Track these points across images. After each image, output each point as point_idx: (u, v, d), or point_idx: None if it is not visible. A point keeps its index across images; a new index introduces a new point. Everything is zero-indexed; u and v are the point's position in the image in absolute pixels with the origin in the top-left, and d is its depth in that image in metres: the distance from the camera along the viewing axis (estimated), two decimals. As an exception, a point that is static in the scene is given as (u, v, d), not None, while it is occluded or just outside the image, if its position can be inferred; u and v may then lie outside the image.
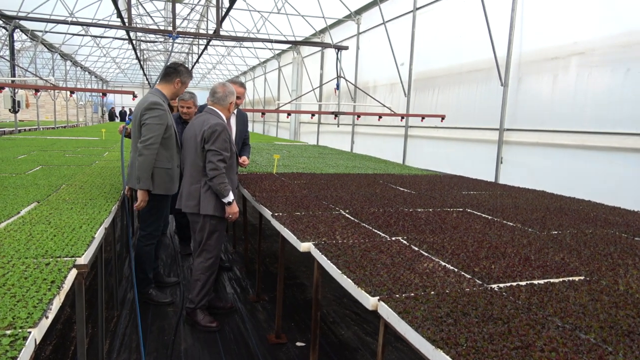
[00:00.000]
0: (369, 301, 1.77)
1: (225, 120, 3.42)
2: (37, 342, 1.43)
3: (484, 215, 3.45)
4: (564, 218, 3.47)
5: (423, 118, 7.66)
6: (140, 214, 3.99)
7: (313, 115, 8.32)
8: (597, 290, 1.93)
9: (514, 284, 1.97)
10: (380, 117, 7.61)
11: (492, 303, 1.73)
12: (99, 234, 2.57)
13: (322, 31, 14.02)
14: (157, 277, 4.27)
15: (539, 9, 6.41)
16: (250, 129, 20.86)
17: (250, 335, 3.43)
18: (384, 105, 8.06)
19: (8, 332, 1.38)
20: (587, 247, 2.64)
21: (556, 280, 2.03)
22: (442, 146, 8.66)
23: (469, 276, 2.04)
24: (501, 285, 1.95)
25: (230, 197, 3.29)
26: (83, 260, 2.12)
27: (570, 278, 2.08)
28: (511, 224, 3.20)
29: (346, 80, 8.81)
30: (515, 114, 6.81)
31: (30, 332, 1.39)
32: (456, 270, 2.12)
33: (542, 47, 6.30)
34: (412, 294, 1.79)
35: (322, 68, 14.48)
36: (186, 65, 3.95)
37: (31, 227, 2.58)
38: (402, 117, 7.94)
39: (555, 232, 2.99)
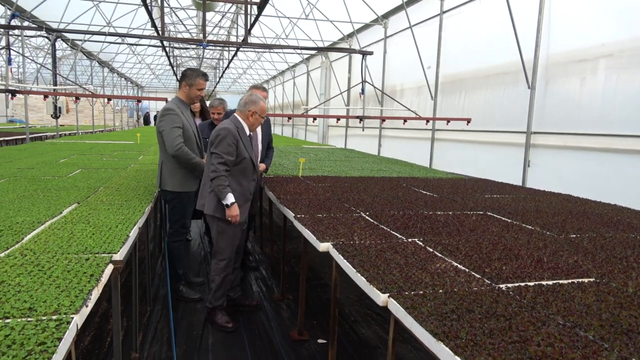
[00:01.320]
0: (380, 297, 1.88)
1: (245, 127, 3.53)
2: (79, 327, 1.60)
3: (503, 219, 3.49)
4: (585, 222, 3.48)
5: (448, 122, 7.67)
6: (168, 212, 4.24)
7: (338, 119, 8.43)
8: (604, 291, 1.98)
9: (522, 284, 2.04)
10: (405, 120, 7.66)
11: (497, 301, 1.81)
12: (133, 233, 2.77)
13: (350, 35, 14.14)
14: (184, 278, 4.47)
15: (566, 11, 6.35)
16: (279, 132, 21.10)
17: (274, 332, 3.58)
18: (409, 109, 8.11)
19: (54, 317, 1.57)
20: (604, 250, 2.67)
21: (565, 282, 2.09)
22: (469, 149, 8.63)
23: (478, 276, 2.12)
24: (509, 285, 2.03)
25: (229, 199, 3.32)
26: (118, 256, 2.31)
27: (580, 280, 2.13)
28: (530, 227, 3.24)
29: (371, 84, 8.90)
30: (542, 117, 6.75)
31: (72, 318, 1.57)
32: (467, 270, 2.20)
33: (570, 49, 6.23)
34: (421, 292, 1.89)
35: (349, 72, 14.59)
36: (196, 68, 4.19)
37: (72, 226, 2.80)
38: (427, 121, 7.96)
39: (574, 236, 3.01)
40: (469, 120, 7.61)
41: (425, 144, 10.05)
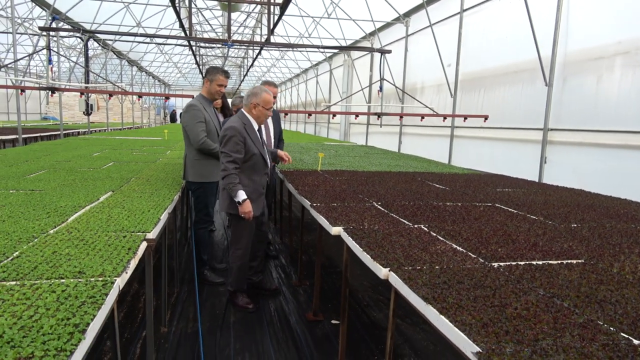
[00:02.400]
0: (381, 271, 2.10)
1: (252, 121, 3.61)
2: (120, 288, 1.88)
3: (510, 210, 3.66)
4: (590, 213, 3.61)
5: (465, 119, 7.79)
6: (193, 202, 4.56)
7: (357, 116, 8.63)
8: (589, 270, 2.15)
9: (514, 263, 2.23)
10: (422, 117, 7.82)
11: (487, 276, 2.02)
12: (164, 217, 3.06)
13: (372, 34, 14.31)
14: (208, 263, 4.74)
15: (583, 9, 6.40)
16: (302, 130, 21.32)
17: (291, 313, 3.84)
18: (426, 106, 8.25)
19: (100, 279, 1.85)
20: (601, 238, 2.82)
21: (554, 262, 2.27)
22: (487, 146, 8.72)
23: (474, 256, 2.32)
24: (502, 264, 2.22)
25: (240, 197, 3.42)
26: (151, 235, 2.59)
27: (569, 261, 2.31)
28: (534, 217, 3.40)
29: (390, 82, 9.07)
30: (559, 114, 6.82)
31: (115, 280, 1.85)
32: (464, 251, 2.40)
33: (587, 47, 6.30)
34: (419, 267, 2.11)
35: (371, 70, 14.75)
36: (218, 66, 4.50)
37: (109, 210, 3.11)
38: (444, 118, 8.10)
39: (575, 225, 3.16)
40: (486, 117, 7.72)
41: (445, 141, 10.17)
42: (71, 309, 1.55)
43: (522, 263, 2.23)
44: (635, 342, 1.44)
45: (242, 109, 3.66)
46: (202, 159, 4.17)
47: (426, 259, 2.24)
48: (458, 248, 2.46)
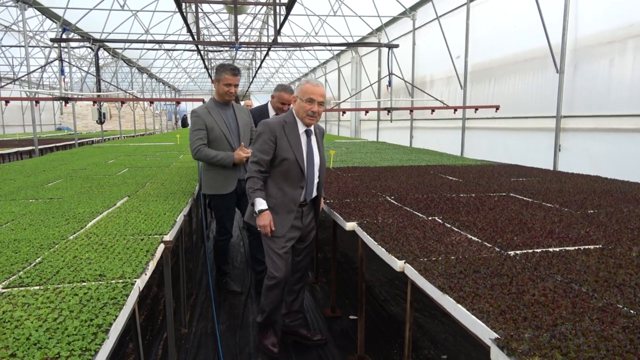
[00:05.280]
0: (397, 264, 2.11)
1: (298, 122, 2.94)
2: (140, 289, 1.91)
3: (524, 199, 3.63)
4: (607, 199, 3.57)
5: (476, 110, 7.73)
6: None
7: (367, 112, 8.62)
8: (607, 255, 2.13)
9: (530, 251, 2.22)
10: (432, 110, 7.78)
11: (503, 264, 2.01)
12: (180, 219, 3.10)
13: (379, 29, 14.26)
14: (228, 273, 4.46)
15: (593, -7, 6.32)
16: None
17: (309, 310, 3.85)
18: (437, 99, 8.21)
19: (120, 280, 1.89)
20: (618, 223, 2.79)
21: (572, 248, 2.25)
22: (499, 137, 8.65)
23: (489, 245, 2.31)
24: (518, 252, 2.21)
25: (258, 205, 2.83)
26: (168, 237, 2.63)
27: (586, 246, 2.29)
28: (549, 205, 3.37)
29: (399, 77, 9.03)
30: (572, 101, 6.74)
31: (135, 281, 1.88)
32: (480, 241, 2.40)
33: (597, 32, 6.21)
34: (434, 259, 2.11)
35: (379, 66, 14.71)
36: (226, 63, 3.89)
37: (127, 214, 3.16)
38: (455, 110, 8.05)
39: (591, 211, 3.13)
40: (497, 108, 7.66)
41: (457, 134, 10.10)
42: (94, 311, 1.58)
43: (538, 250, 2.22)
44: (656, 323, 1.43)
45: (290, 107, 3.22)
46: (211, 169, 3.85)
47: (441, 250, 2.24)
48: (473, 238, 2.45)
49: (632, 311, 1.52)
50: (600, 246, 2.30)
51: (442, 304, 1.70)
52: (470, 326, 1.48)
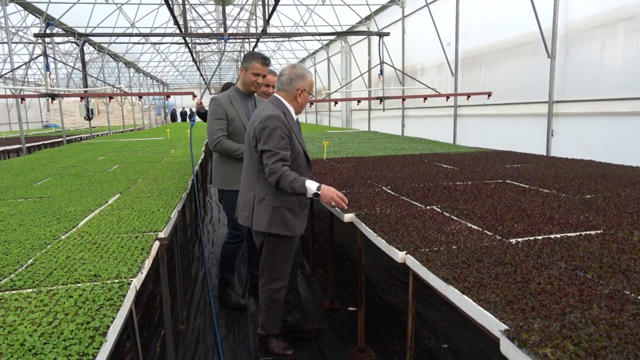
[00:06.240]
0: (398, 255, 2.07)
1: (292, 111, 2.80)
2: (137, 289, 1.86)
3: (521, 185, 3.61)
4: (603, 183, 3.56)
5: (468, 97, 7.71)
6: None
7: (359, 102, 8.56)
8: (609, 240, 2.12)
9: (532, 238, 2.20)
10: (425, 99, 7.74)
11: (505, 252, 1.98)
12: (174, 215, 3.04)
13: (368, 18, 14.15)
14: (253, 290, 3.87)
15: (583, -23, 6.29)
16: (303, 120, 21.20)
17: (306, 303, 3.83)
18: (428, 87, 8.17)
19: (116, 280, 1.83)
20: (617, 207, 2.78)
21: (573, 234, 2.23)
22: (491, 123, 8.64)
23: (490, 234, 2.29)
24: (519, 239, 2.19)
25: (312, 188, 2.56)
26: (163, 234, 2.58)
27: (588, 232, 2.27)
28: (546, 191, 3.35)
29: (390, 65, 8.98)
30: (564, 86, 6.73)
31: (132, 281, 1.83)
32: (480, 229, 2.37)
33: (588, 16, 6.19)
34: (436, 249, 2.08)
35: (369, 55, 14.62)
36: (257, 52, 3.65)
37: (119, 212, 3.09)
38: (447, 98, 8.01)
39: (589, 196, 3.12)
40: (489, 94, 7.63)
41: (449, 121, 10.08)
42: (90, 313, 1.53)
43: (540, 237, 2.20)
44: (665, 309, 1.41)
45: (277, 96, 2.80)
46: (225, 162, 3.55)
47: (442, 239, 2.21)
48: (473, 226, 2.43)
49: (639, 297, 1.50)
50: (602, 231, 2.28)
51: (447, 296, 1.67)
52: (478, 317, 1.46)
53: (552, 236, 2.21)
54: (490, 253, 1.98)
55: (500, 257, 1.93)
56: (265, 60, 3.50)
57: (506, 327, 1.31)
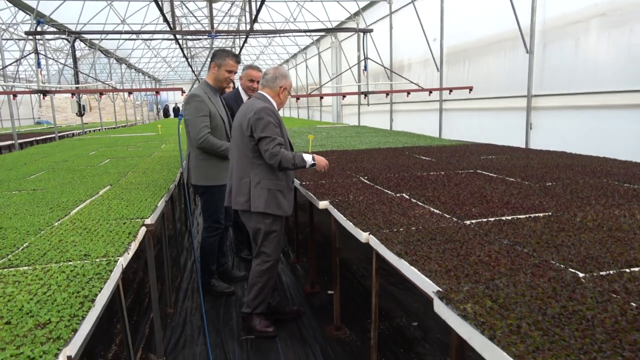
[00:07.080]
0: (362, 235, 2.29)
1: (276, 107, 3.08)
2: (124, 267, 2.06)
3: (490, 174, 3.83)
4: (567, 173, 3.79)
5: (450, 91, 7.92)
6: (201, 207, 4.05)
7: (344, 97, 8.75)
8: (553, 221, 2.34)
9: (485, 220, 2.42)
10: (408, 93, 7.95)
11: (458, 232, 2.20)
12: (161, 204, 3.24)
13: (356, 14, 14.31)
14: (225, 274, 4.19)
15: (559, -25, 6.50)
16: (295, 115, 21.30)
17: (289, 288, 4.04)
18: (412, 82, 8.38)
19: (104, 259, 2.03)
20: (571, 193, 3.00)
21: (522, 216, 2.45)
22: (475, 117, 8.87)
23: (449, 217, 2.51)
24: (473, 221, 2.40)
25: (309, 160, 2.99)
26: (150, 220, 2.77)
27: (537, 214, 2.49)
28: (512, 179, 3.58)
29: (374, 61, 9.17)
30: (541, 80, 6.96)
31: (118, 259, 2.03)
32: (440, 213, 2.59)
33: (565, 12, 6.41)
34: (396, 230, 2.29)
35: (359, 50, 14.78)
36: (227, 49, 3.75)
37: (109, 202, 3.28)
38: (430, 92, 8.23)
39: (549, 184, 3.34)
40: (470, 89, 7.85)
41: (435, 115, 10.31)
42: (80, 284, 1.73)
43: (492, 219, 2.42)
44: (580, 274, 1.63)
45: (262, 92, 3.07)
46: (208, 158, 3.63)
47: (404, 222, 2.42)
48: (435, 211, 2.64)
49: (562, 265, 1.72)
50: (550, 214, 2.50)
51: (398, 267, 1.88)
52: (419, 283, 1.67)
53: (504, 218, 2.43)
54: (444, 233, 2.19)
55: (452, 236, 2.15)
56: (237, 58, 3.68)
57: (439, 289, 1.52)
